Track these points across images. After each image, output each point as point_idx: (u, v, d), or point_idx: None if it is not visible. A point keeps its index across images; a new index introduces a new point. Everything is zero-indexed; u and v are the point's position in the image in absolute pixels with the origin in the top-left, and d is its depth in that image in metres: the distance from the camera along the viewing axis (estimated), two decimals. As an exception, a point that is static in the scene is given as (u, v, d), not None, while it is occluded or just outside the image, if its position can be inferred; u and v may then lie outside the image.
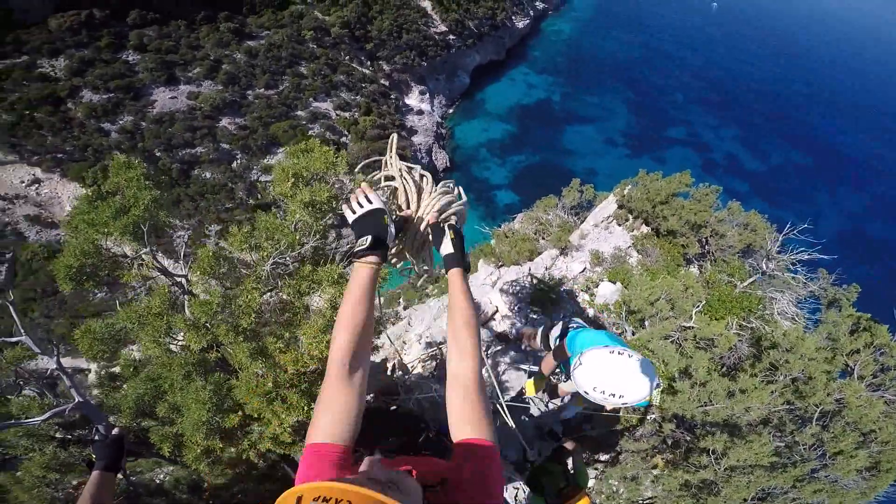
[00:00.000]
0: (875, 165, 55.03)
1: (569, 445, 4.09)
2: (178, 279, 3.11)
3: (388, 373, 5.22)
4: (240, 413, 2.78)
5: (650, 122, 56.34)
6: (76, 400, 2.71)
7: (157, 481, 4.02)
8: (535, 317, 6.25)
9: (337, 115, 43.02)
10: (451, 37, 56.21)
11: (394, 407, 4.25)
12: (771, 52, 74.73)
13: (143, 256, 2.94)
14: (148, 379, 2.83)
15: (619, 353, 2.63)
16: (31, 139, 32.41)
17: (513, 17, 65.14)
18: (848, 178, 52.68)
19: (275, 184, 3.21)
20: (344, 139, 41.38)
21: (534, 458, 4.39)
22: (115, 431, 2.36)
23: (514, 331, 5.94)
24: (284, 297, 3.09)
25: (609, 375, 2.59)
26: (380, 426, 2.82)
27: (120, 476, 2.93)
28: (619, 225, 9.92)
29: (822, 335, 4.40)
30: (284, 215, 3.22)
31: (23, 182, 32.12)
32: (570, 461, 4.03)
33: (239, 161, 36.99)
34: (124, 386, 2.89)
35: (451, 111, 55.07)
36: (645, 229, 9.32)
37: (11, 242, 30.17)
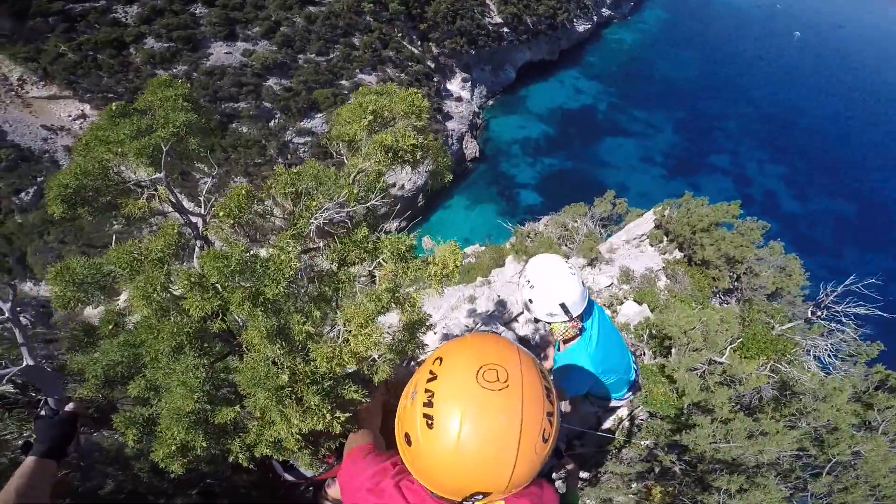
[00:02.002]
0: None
1: (569, 466, 4.05)
2: (195, 220, 2.51)
3: (403, 365, 5.19)
4: (237, 407, 2.14)
5: (694, 146, 54.67)
6: (24, 363, 1.93)
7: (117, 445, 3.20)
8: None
9: (380, 89, 43.08)
10: (505, 29, 55.45)
11: None
12: (844, 92, 69.82)
13: (158, 187, 2.34)
14: (126, 344, 2.14)
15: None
16: (89, 78, 33.48)
17: (574, 20, 63.78)
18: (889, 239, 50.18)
19: (340, 124, 2.70)
20: (382, 115, 41.57)
21: None
22: (68, 407, 1.91)
23: (537, 337, 5.94)
24: (326, 264, 2.51)
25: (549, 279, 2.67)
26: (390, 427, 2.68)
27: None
28: (652, 245, 9.78)
29: (846, 383, 4.33)
30: (339, 169, 2.68)
31: (70, 116, 33.26)
32: (562, 480, 4.00)
33: (277, 120, 37.53)
34: (100, 345, 2.19)
35: (490, 103, 54.55)
36: (678, 255, 9.18)
37: (45, 168, 31.30)
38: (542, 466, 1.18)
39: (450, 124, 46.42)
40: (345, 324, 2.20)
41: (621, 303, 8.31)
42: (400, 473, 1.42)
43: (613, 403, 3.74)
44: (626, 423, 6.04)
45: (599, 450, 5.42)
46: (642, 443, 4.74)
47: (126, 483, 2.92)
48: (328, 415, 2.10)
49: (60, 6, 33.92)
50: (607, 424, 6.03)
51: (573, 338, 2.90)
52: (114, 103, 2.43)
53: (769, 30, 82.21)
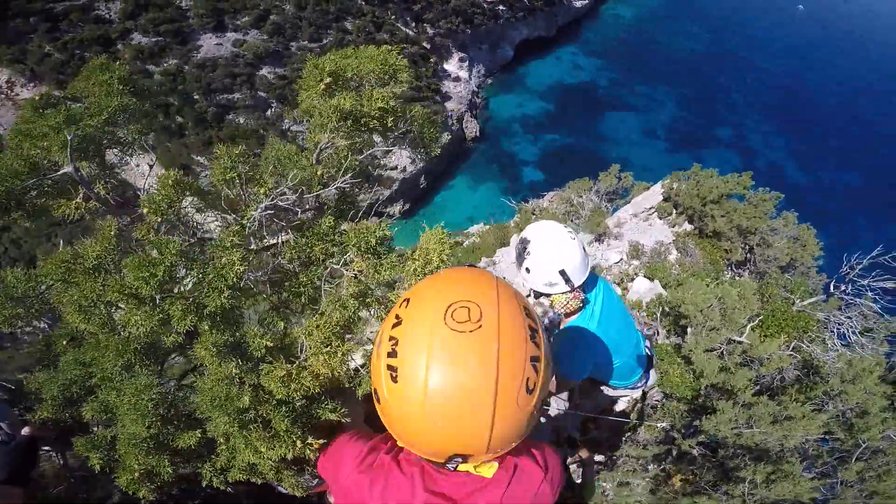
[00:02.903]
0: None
1: (583, 454, 3.88)
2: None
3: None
4: (199, 431, 1.91)
5: (698, 119, 53.54)
6: None
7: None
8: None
9: (376, 74, 42.54)
10: (501, 7, 54.17)
11: None
12: (851, 65, 68.01)
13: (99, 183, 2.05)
14: (76, 362, 1.95)
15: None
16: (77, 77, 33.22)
17: (571, -5, 62.20)
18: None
19: (301, 91, 2.31)
20: (379, 98, 41.11)
21: None
22: (24, 431, 1.80)
23: (546, 320, 5.70)
24: (285, 264, 2.12)
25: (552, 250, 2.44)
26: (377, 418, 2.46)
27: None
28: (661, 218, 9.51)
29: (872, 361, 4.10)
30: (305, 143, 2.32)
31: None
32: (579, 471, 3.83)
33: (273, 109, 37.14)
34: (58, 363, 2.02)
35: (488, 81, 53.64)
36: (688, 227, 8.92)
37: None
38: (531, 423, 1.02)
39: (449, 104, 45.81)
40: (307, 338, 1.88)
41: (632, 279, 8.09)
42: (396, 446, 1.25)
43: (620, 392, 3.52)
44: (640, 405, 5.86)
45: (614, 433, 5.27)
46: (658, 425, 4.56)
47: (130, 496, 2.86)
48: (298, 441, 1.82)
49: (40, 6, 33.35)
50: (621, 406, 5.87)
51: (575, 312, 2.64)
52: (38, 93, 2.17)
53: (772, 2, 79.49)
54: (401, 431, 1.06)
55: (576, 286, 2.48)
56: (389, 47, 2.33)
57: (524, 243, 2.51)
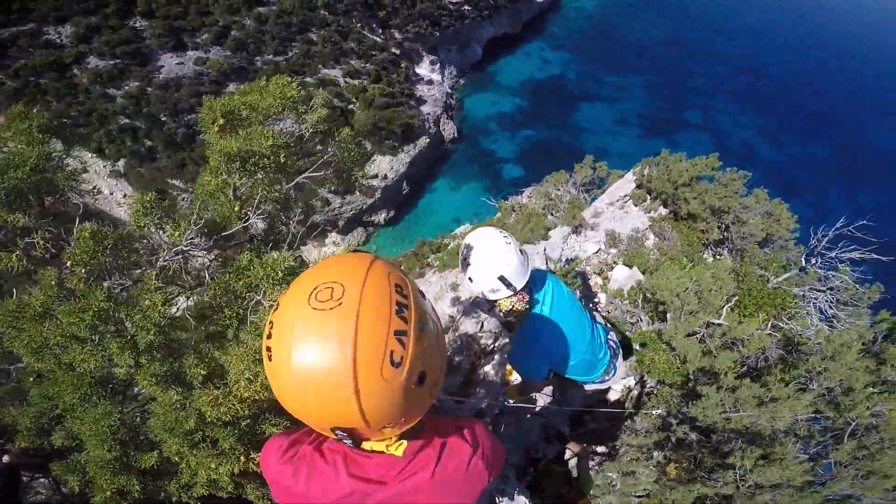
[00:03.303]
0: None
1: (574, 447, 3.84)
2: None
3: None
4: (156, 452, 2.08)
5: (667, 105, 54.77)
6: None
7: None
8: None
9: (346, 82, 42.14)
10: (466, 7, 54.36)
11: None
12: (809, 44, 71.00)
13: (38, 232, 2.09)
14: (42, 397, 2.15)
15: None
16: (36, 105, 32.04)
17: (532, -10, 62.78)
18: (868, 176, 51.00)
19: (203, 128, 2.37)
20: (352, 106, 40.61)
21: (540, 455, 4.14)
22: (4, 459, 1.95)
23: (493, 324, 5.60)
24: (208, 301, 2.26)
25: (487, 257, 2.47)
26: None
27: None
28: (636, 205, 9.50)
29: (853, 336, 4.05)
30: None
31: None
32: (575, 465, 3.78)
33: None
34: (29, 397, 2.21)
35: (461, 82, 53.96)
36: (663, 211, 8.91)
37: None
38: (413, 397, 1.05)
39: (424, 108, 45.75)
40: (231, 366, 1.95)
41: (611, 268, 8.04)
42: (320, 436, 1.29)
43: (590, 386, 3.43)
44: (635, 393, 5.78)
45: (611, 423, 5.20)
46: (654, 412, 4.49)
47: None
48: (242, 457, 1.97)
49: None
50: (615, 396, 5.78)
51: (523, 314, 2.67)
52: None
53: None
54: (285, 405, 1.08)
55: (518, 289, 2.51)
56: (284, 77, 2.37)
57: (465, 253, 2.55)
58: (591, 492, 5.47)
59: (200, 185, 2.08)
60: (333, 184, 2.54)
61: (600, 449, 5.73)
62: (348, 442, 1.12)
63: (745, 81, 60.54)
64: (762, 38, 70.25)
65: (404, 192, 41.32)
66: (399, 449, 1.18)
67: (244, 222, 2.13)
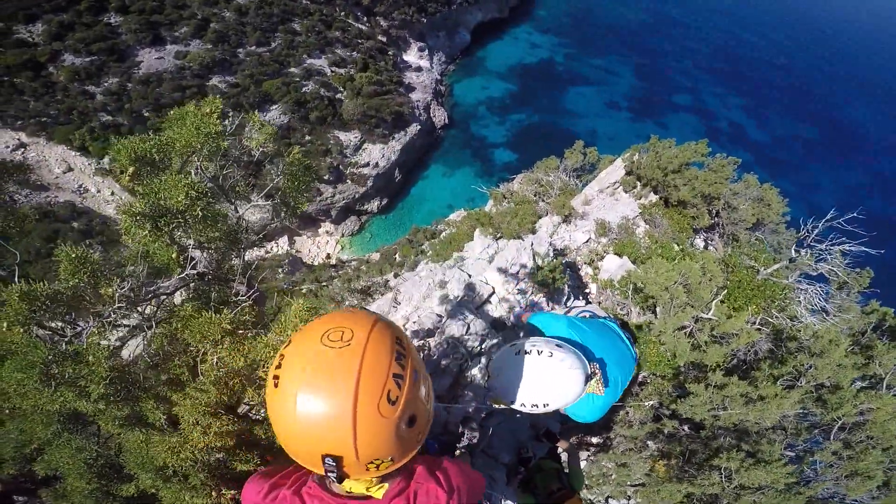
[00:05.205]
0: (884, 142, 53.59)
1: (562, 445, 3.81)
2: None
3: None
4: (133, 483, 2.08)
5: (655, 87, 54.85)
6: None
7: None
8: (536, 300, 5.77)
9: (332, 71, 41.43)
10: (453, -8, 53.48)
11: None
12: (789, 24, 71.99)
13: None
14: (17, 430, 2.15)
15: (528, 351, 2.19)
16: (13, 105, 31.16)
17: (518, -27, 61.91)
18: (853, 152, 51.49)
19: (114, 174, 2.24)
20: (339, 96, 39.99)
21: (530, 455, 4.10)
22: None
23: (512, 317, 5.50)
24: (155, 348, 2.17)
25: (527, 380, 2.16)
26: None
27: None
28: (626, 192, 9.40)
29: (842, 328, 4.02)
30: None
31: (7, 147, 30.99)
32: (565, 461, 3.75)
33: (230, 118, 36.02)
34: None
35: (450, 68, 53.39)
36: (653, 198, 8.81)
37: (2, 206, 29.64)
38: (403, 437, 1.15)
39: (413, 95, 45.20)
40: (184, 415, 1.91)
41: (601, 258, 7.97)
42: (298, 480, 1.38)
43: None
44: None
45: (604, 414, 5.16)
46: (646, 403, 4.46)
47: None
48: (213, 492, 1.97)
49: None
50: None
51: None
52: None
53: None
54: (281, 434, 1.17)
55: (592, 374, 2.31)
56: (211, 108, 2.08)
57: (535, 400, 2.19)
58: (586, 482, 5.47)
59: (129, 238, 1.91)
60: (276, 214, 2.35)
61: (594, 440, 5.72)
62: (333, 475, 1.15)
63: (728, 61, 61.12)
64: (734, 16, 71.31)
65: (397, 179, 40.96)
66: (379, 492, 1.25)
67: (185, 269, 2.01)
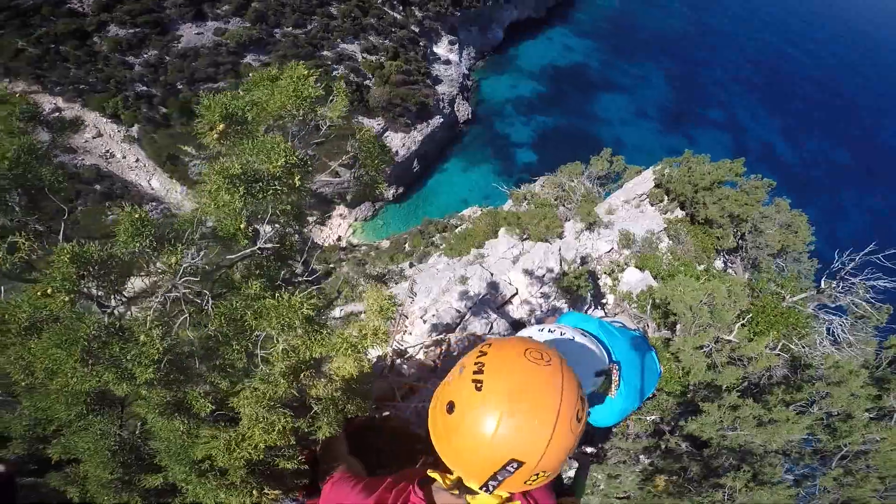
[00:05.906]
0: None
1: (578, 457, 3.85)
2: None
3: (388, 361, 4.76)
4: (161, 476, 1.90)
5: (688, 98, 53.74)
6: None
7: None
8: (558, 305, 5.83)
9: (363, 57, 41.67)
10: (490, -12, 53.09)
11: (386, 413, 3.85)
12: (838, 41, 69.09)
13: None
14: (34, 408, 1.91)
15: (552, 330, 2.13)
16: (56, 71, 32.14)
17: (559, -25, 61.08)
18: (888, 178, 49.68)
19: (200, 132, 1.93)
20: (367, 82, 40.23)
21: None
22: None
23: (533, 319, 5.59)
24: (212, 333, 1.90)
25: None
26: (363, 446, 2.36)
27: None
28: (653, 205, 9.40)
29: (859, 361, 4.05)
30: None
31: (43, 111, 32.03)
32: (571, 472, 3.82)
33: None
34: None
35: (479, 64, 53.00)
36: (679, 214, 8.81)
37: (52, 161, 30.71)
38: (570, 451, 1.22)
39: (439, 88, 45.17)
40: (245, 408, 1.77)
41: (623, 270, 8.01)
42: (402, 492, 1.43)
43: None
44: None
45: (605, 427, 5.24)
46: (647, 418, 4.54)
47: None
48: (255, 491, 1.83)
49: (6, 2, 32.17)
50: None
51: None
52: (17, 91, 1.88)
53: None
54: (467, 438, 1.20)
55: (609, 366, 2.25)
56: (307, 70, 1.96)
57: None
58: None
59: (200, 203, 1.79)
60: (353, 194, 2.38)
61: (589, 449, 5.79)
62: (495, 483, 1.21)
63: (765, 75, 59.26)
64: (779, 30, 68.99)
65: (415, 169, 41.06)
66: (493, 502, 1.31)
67: (252, 241, 1.88)
